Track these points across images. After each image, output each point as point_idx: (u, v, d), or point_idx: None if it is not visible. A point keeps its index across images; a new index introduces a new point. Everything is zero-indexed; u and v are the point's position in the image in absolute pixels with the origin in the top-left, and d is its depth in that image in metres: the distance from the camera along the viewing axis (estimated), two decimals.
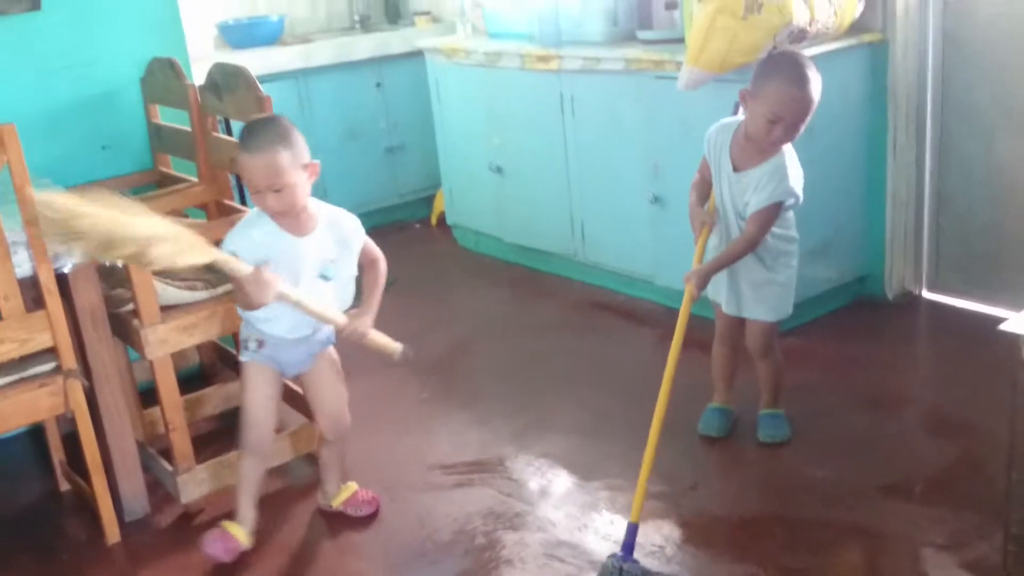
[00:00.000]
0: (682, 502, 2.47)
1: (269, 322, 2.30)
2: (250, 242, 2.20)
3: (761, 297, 2.56)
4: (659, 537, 2.33)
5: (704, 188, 2.60)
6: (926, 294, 3.51)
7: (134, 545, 2.49)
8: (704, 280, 2.45)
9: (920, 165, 3.40)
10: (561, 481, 2.63)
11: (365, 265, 2.39)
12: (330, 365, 2.47)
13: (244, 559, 2.40)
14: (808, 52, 3.09)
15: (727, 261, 2.48)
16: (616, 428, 2.86)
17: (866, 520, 2.32)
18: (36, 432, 2.89)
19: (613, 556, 2.19)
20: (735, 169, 2.47)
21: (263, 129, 2.17)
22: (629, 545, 2.19)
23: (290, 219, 2.23)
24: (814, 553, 2.23)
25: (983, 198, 3.28)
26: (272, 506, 2.61)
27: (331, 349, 2.46)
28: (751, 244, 2.44)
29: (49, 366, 2.34)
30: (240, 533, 2.38)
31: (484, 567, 2.29)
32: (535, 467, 2.70)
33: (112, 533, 2.49)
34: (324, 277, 2.28)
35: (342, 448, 2.55)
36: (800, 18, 2.94)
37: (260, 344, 2.34)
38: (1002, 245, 3.27)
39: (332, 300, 2.31)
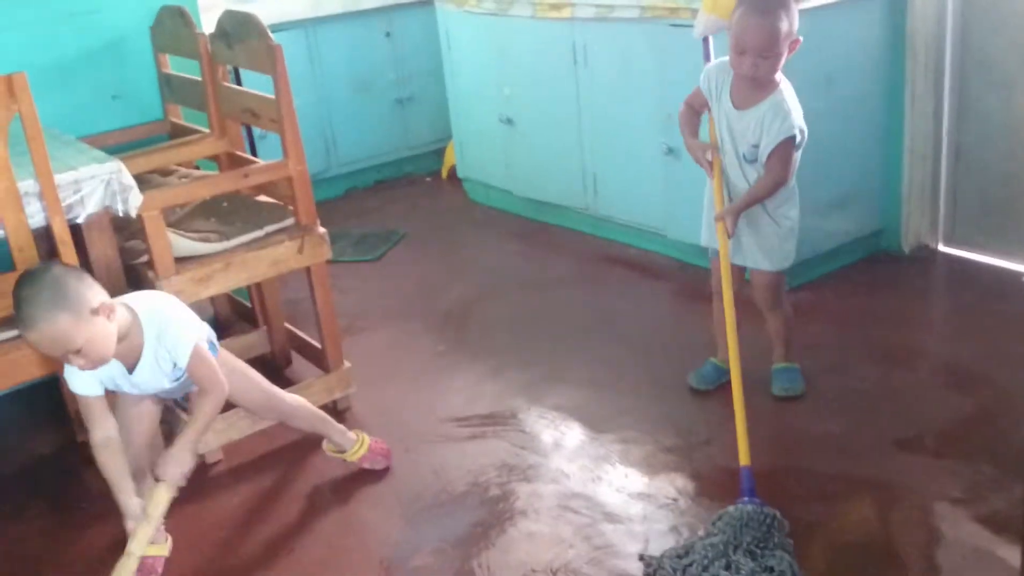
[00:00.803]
0: (696, 456, 2.48)
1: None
2: (88, 378, 2.09)
3: (762, 246, 2.54)
4: (672, 490, 2.34)
5: (694, 120, 2.57)
6: (942, 248, 3.48)
7: None
8: (736, 219, 2.42)
9: (938, 117, 3.35)
10: (574, 434, 2.63)
11: (195, 394, 2.21)
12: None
13: (260, 510, 2.43)
14: (828, 0, 3.04)
15: (757, 198, 2.44)
16: (628, 381, 2.86)
17: (880, 473, 2.32)
18: (52, 382, 2.89)
19: (738, 501, 2.14)
20: (736, 107, 2.45)
21: (30, 297, 1.90)
22: (750, 489, 2.17)
23: (116, 352, 2.04)
24: (827, 505, 2.24)
25: (1001, 151, 3.24)
26: (287, 458, 2.63)
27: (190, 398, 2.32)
28: (777, 181, 2.41)
29: None
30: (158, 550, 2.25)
31: (498, 518, 2.31)
32: (548, 419, 2.71)
33: None
34: (177, 379, 2.18)
35: (306, 423, 2.48)
36: None
37: None
38: (1019, 199, 3.23)
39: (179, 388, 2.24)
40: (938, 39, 3.27)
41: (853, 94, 3.25)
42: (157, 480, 2.12)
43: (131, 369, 2.11)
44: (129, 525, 2.09)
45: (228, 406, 2.33)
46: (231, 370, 2.26)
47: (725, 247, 2.44)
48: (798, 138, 2.41)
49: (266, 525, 2.37)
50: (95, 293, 1.98)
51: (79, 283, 1.95)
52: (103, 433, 2.12)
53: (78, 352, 1.94)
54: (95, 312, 1.94)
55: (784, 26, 2.32)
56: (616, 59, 3.56)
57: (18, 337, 2.27)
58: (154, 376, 2.13)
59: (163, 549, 2.27)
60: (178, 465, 2.10)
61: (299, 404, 2.47)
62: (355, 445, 2.51)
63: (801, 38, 2.39)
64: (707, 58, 2.53)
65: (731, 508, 2.11)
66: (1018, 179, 3.22)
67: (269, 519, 2.40)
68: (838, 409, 2.60)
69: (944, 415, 2.54)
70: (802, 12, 2.97)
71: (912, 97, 3.31)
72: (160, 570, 2.23)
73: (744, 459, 2.21)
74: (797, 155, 2.48)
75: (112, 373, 2.11)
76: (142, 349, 2.09)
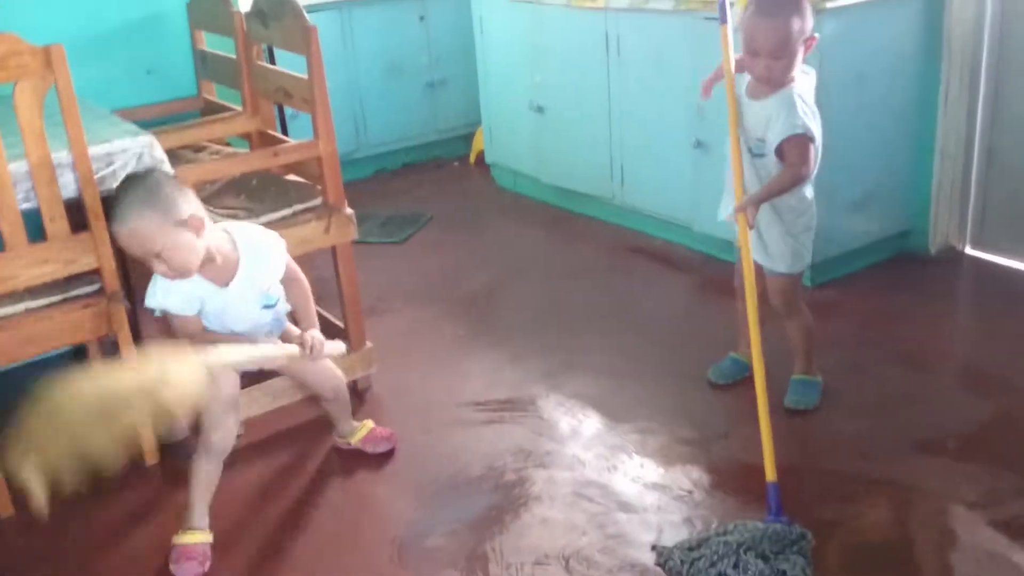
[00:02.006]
0: (712, 449, 2.48)
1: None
2: (179, 296, 2.10)
3: (774, 249, 2.49)
4: (688, 482, 2.35)
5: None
6: (969, 250, 3.45)
7: (171, 467, 2.54)
8: (756, 209, 2.36)
9: (971, 119, 3.32)
10: (592, 422, 2.64)
11: (286, 282, 2.26)
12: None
13: (276, 485, 2.46)
14: None
15: (775, 191, 2.38)
16: (648, 372, 2.86)
17: (898, 475, 2.32)
18: (78, 353, 2.94)
19: (767, 519, 2.12)
20: (748, 95, 2.41)
21: (125, 194, 2.00)
22: (777, 508, 2.13)
23: (205, 271, 2.09)
24: (844, 505, 2.23)
25: None
26: (305, 436, 2.65)
27: (289, 327, 2.36)
28: (797, 175, 2.35)
29: (93, 288, 2.37)
30: (200, 536, 2.21)
31: (513, 503, 2.32)
32: (566, 407, 2.72)
33: (151, 454, 2.55)
34: (268, 306, 2.22)
35: (342, 400, 2.51)
36: None
37: None
38: None
39: (272, 324, 2.28)
40: (975, 40, 3.23)
41: (885, 93, 3.23)
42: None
43: (225, 285, 2.13)
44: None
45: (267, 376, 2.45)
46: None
47: (747, 240, 2.36)
48: (808, 135, 2.33)
49: (282, 500, 2.40)
50: (189, 205, 2.02)
51: (175, 191, 2.01)
52: (195, 328, 2.14)
53: (158, 256, 1.98)
54: (182, 223, 1.99)
55: (796, 25, 2.27)
56: (649, 51, 3.55)
57: (47, 306, 2.32)
58: (246, 295, 2.14)
59: (208, 536, 2.21)
60: (318, 338, 2.20)
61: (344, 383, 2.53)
62: (359, 429, 2.56)
63: (817, 35, 2.35)
64: (723, 19, 2.46)
65: (758, 523, 2.10)
66: None
67: (285, 494, 2.42)
68: (858, 409, 2.59)
69: (964, 418, 2.53)
70: (835, 10, 2.98)
71: (946, 98, 3.28)
72: (209, 557, 2.18)
73: (771, 474, 2.17)
74: (819, 150, 2.40)
75: (202, 293, 2.10)
76: (237, 266, 2.12)
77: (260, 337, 2.26)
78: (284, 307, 2.30)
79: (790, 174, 2.36)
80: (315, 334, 2.21)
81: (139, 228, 1.96)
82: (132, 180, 2.05)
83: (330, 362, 2.42)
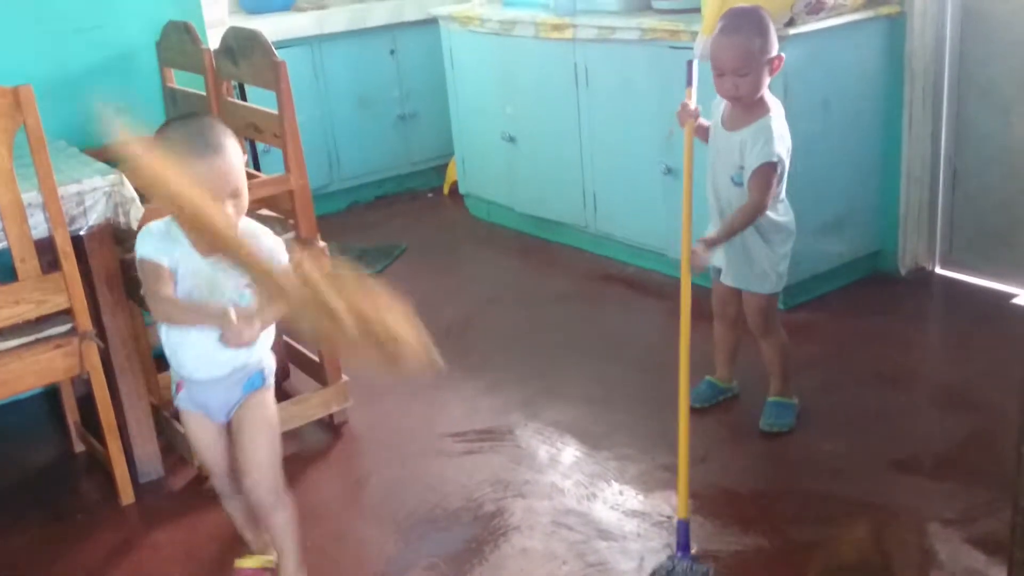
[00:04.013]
0: (691, 474, 2.47)
1: (175, 359, 1.96)
2: (161, 249, 1.87)
3: (755, 271, 2.52)
4: (667, 507, 2.35)
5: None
6: (939, 270, 3.50)
7: (148, 506, 2.52)
8: (711, 251, 2.42)
9: (936, 140, 3.37)
10: (570, 450, 2.64)
11: None
12: (256, 417, 1.98)
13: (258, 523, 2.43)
14: (826, 24, 3.08)
15: (735, 227, 2.42)
16: (625, 399, 2.87)
17: (875, 494, 2.33)
18: (51, 393, 2.92)
19: (671, 557, 2.12)
20: (724, 127, 2.47)
21: (203, 124, 1.85)
22: (685, 544, 2.12)
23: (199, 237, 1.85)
24: (822, 526, 2.24)
25: (998, 175, 3.26)
26: (284, 471, 2.63)
27: (266, 396, 2.01)
28: (753, 208, 2.39)
29: (65, 328, 2.36)
30: (259, 561, 2.18)
31: (492, 534, 2.31)
32: (544, 436, 2.72)
33: (126, 494, 2.52)
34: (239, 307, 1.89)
35: (277, 520, 2.03)
36: None
37: (178, 387, 2.01)
38: (1016, 222, 3.25)
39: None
40: (937, 63, 3.30)
41: (850, 117, 3.28)
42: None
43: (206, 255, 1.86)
44: (234, 322, 1.76)
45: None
46: (267, 426, 1.99)
47: (687, 262, 2.33)
48: (778, 167, 2.39)
49: (261, 537, 2.38)
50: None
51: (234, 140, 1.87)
52: (168, 290, 1.84)
53: (235, 193, 1.81)
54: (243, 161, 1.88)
55: (757, 43, 2.34)
56: (617, 80, 3.59)
57: (19, 347, 2.30)
58: (223, 277, 1.86)
59: (264, 559, 2.16)
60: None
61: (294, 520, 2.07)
62: (254, 556, 2.21)
63: (783, 56, 2.41)
64: (689, 82, 2.53)
65: (665, 561, 2.12)
66: (1015, 203, 3.24)
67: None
68: (833, 430, 2.61)
69: (939, 436, 2.55)
70: (800, 35, 3.03)
71: (910, 120, 3.34)
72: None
73: (682, 512, 2.15)
74: (780, 185, 2.45)
75: (182, 256, 1.85)
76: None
77: (213, 373, 1.96)
78: (260, 342, 1.95)
79: (749, 207, 2.40)
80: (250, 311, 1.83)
81: (237, 158, 1.82)
82: (199, 117, 1.89)
83: (269, 451, 2.00)
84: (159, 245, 1.87)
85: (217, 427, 2.02)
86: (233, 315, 1.75)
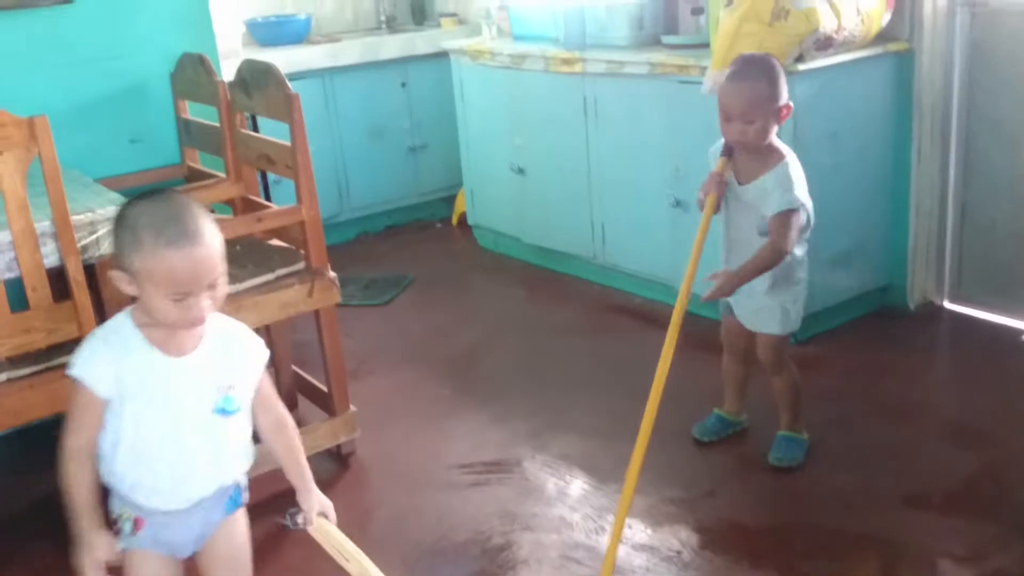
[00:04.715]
0: (699, 507, 2.47)
1: (142, 489, 1.65)
2: (109, 364, 1.58)
3: (768, 311, 2.53)
4: (676, 542, 2.34)
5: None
6: (948, 304, 3.49)
7: None
8: (732, 289, 2.43)
9: (944, 175, 3.38)
10: (578, 483, 2.63)
11: (269, 430, 1.78)
12: (235, 546, 1.80)
13: (261, 552, 2.41)
14: (834, 60, 3.10)
15: (755, 271, 2.42)
16: (633, 431, 2.82)
17: (884, 529, 2.32)
18: (52, 424, 2.91)
19: None
20: (740, 182, 2.47)
21: (182, 208, 1.57)
22: None
23: (163, 331, 1.60)
24: (832, 561, 2.23)
25: (1007, 209, 3.27)
26: (288, 500, 2.62)
27: (242, 516, 1.82)
28: (776, 251, 2.39)
29: None
30: None
31: (500, 567, 2.30)
32: (552, 468, 2.71)
33: None
34: (224, 412, 1.66)
35: None
36: (827, 25, 2.94)
37: (136, 524, 1.68)
38: None
39: (240, 450, 1.73)
40: (945, 98, 3.31)
41: (860, 151, 3.29)
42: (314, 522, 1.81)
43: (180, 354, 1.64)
44: (85, 560, 1.60)
45: None
46: (242, 552, 1.84)
47: (687, 287, 2.38)
48: (802, 214, 2.38)
49: (265, 567, 2.37)
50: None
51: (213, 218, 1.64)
52: (84, 439, 1.62)
53: (213, 285, 1.57)
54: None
55: (765, 90, 2.35)
56: (626, 113, 3.61)
57: (29, 375, 2.31)
58: (200, 381, 1.64)
59: None
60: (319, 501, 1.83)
61: None
62: None
63: (791, 104, 2.41)
64: (726, 154, 2.53)
65: None
66: (1023, 237, 3.24)
67: (267, 561, 2.39)
68: (843, 464, 2.59)
69: (948, 472, 2.53)
70: (809, 71, 3.05)
71: (918, 155, 3.35)
72: None
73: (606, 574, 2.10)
74: (803, 232, 2.45)
75: (141, 364, 1.60)
76: (201, 337, 1.65)
77: (194, 496, 1.69)
78: (246, 450, 1.74)
79: (770, 249, 2.40)
80: (324, 500, 1.81)
81: (213, 245, 1.56)
82: (174, 196, 1.59)
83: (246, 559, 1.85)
84: (110, 365, 1.58)
85: (176, 567, 1.76)
86: (95, 553, 1.59)
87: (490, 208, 4.48)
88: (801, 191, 2.40)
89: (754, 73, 2.37)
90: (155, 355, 1.61)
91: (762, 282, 2.49)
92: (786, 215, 2.37)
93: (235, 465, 1.74)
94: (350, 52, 4.65)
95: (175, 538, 1.71)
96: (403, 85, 4.85)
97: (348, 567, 1.72)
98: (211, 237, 1.56)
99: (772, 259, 2.41)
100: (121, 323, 1.62)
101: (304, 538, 2.48)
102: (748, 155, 2.43)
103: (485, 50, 4.17)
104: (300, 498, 1.80)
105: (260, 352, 1.73)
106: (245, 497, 1.82)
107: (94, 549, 1.60)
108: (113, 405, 1.60)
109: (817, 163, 3.09)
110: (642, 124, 3.55)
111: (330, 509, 1.82)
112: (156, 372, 1.61)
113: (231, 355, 1.68)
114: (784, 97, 2.39)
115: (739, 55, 2.57)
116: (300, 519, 1.79)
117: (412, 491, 2.64)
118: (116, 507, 1.70)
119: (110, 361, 1.58)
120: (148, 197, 1.59)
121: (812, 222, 2.45)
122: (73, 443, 1.62)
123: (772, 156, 2.42)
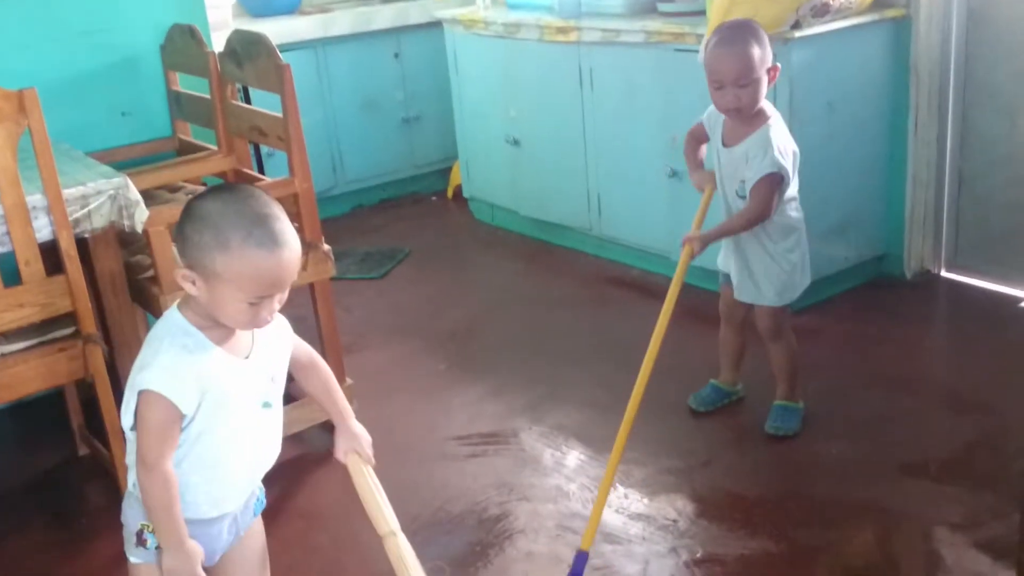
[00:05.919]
0: (695, 477, 2.48)
1: (209, 498, 1.61)
2: (191, 378, 1.49)
3: (767, 281, 2.53)
4: (672, 511, 2.34)
5: (697, 150, 2.61)
6: (944, 273, 3.49)
7: None
8: (704, 246, 2.42)
9: (941, 144, 3.36)
10: (575, 454, 2.64)
11: (301, 369, 1.74)
12: (254, 548, 1.78)
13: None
14: (830, 27, 3.07)
15: (728, 231, 2.46)
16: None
17: (881, 498, 2.32)
18: (55, 396, 2.91)
19: None
20: (725, 144, 2.46)
21: (277, 215, 1.50)
22: (577, 574, 2.06)
23: (221, 331, 1.54)
24: (828, 529, 2.24)
25: (1004, 178, 3.25)
26: (288, 474, 2.63)
27: (258, 521, 1.80)
28: (752, 216, 2.40)
29: (69, 331, 2.35)
30: None
31: (498, 537, 2.31)
32: (549, 439, 2.71)
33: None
34: (267, 405, 1.62)
35: None
36: None
37: None
38: (1022, 225, 3.24)
39: (277, 444, 1.70)
40: (942, 66, 3.29)
41: (856, 120, 3.27)
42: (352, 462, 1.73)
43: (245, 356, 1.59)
44: (193, 567, 1.55)
45: None
46: (263, 557, 1.81)
47: (684, 265, 2.41)
48: (782, 177, 2.38)
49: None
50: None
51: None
52: (167, 455, 1.52)
53: (283, 289, 1.53)
54: None
55: (756, 52, 2.33)
56: (622, 82, 3.58)
57: (23, 350, 2.30)
58: (259, 378, 1.60)
59: None
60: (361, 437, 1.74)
61: None
62: None
63: (779, 65, 2.41)
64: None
65: None
66: (1020, 206, 3.23)
67: (268, 534, 2.39)
68: (839, 433, 2.60)
69: (945, 440, 2.54)
70: (805, 38, 3.02)
71: (915, 124, 3.33)
72: None
73: (585, 543, 2.08)
74: (792, 203, 2.46)
75: (217, 372, 1.53)
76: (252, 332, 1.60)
77: (247, 495, 1.70)
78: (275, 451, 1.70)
79: (747, 213, 2.41)
80: (364, 435, 1.74)
81: (299, 250, 1.51)
82: (261, 195, 1.51)
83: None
84: (188, 370, 1.49)
85: None
86: (197, 559, 1.54)
87: (485, 180, 4.46)
88: (783, 153, 2.38)
89: (743, 37, 2.34)
90: (226, 358, 1.54)
91: (760, 254, 2.48)
92: (766, 180, 2.36)
93: (271, 461, 1.70)
94: (342, 22, 4.60)
95: (209, 545, 1.63)
96: (396, 56, 4.80)
97: (368, 508, 1.70)
98: (294, 239, 1.50)
99: (747, 222, 2.42)
100: (183, 326, 1.53)
101: (302, 510, 2.49)
102: (735, 117, 2.42)
103: (479, 19, 4.13)
104: (337, 432, 1.73)
105: (288, 329, 1.69)
106: (257, 508, 1.79)
107: (197, 556, 1.55)
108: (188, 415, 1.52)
109: (813, 131, 3.08)
110: (638, 93, 3.53)
111: (368, 445, 1.74)
112: (230, 376, 1.54)
113: (273, 343, 1.63)
114: (771, 58, 2.38)
115: (722, 23, 2.54)
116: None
117: (409, 463, 2.65)
118: (136, 519, 1.61)
119: (195, 375, 1.49)
120: (225, 192, 1.53)
121: (787, 183, 2.42)
122: (156, 459, 1.50)
123: (757, 118, 2.41)
